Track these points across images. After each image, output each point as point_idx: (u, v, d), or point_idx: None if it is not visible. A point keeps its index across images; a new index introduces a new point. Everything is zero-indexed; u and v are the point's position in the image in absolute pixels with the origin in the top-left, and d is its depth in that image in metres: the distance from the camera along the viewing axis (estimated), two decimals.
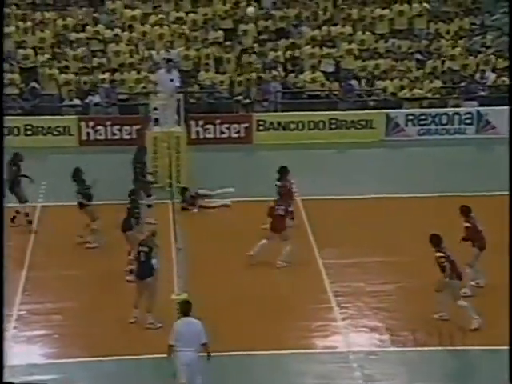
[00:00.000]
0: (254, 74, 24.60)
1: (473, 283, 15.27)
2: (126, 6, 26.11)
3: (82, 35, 25.49)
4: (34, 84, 24.28)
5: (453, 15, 26.37)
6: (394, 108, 24.23)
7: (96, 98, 24.19)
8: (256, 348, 13.66)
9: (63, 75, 24.46)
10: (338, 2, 26.67)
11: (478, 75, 25.15)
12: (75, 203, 17.48)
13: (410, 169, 21.57)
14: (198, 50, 25.34)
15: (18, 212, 17.90)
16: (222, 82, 24.79)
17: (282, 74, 25.09)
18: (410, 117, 24.02)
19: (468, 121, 24.04)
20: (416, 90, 24.59)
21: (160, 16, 25.83)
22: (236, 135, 23.81)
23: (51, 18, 25.79)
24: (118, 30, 25.47)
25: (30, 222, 17.94)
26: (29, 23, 25.45)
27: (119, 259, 15.91)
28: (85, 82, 24.46)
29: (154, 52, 25.16)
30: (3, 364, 10.26)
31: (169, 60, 22.14)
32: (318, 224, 18.19)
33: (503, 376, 12.73)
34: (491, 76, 25.09)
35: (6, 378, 9.27)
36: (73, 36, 25.42)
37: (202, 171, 20.19)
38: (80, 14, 25.99)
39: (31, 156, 19.38)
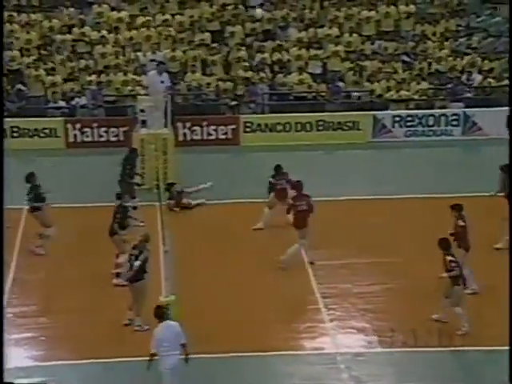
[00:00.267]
0: (241, 73, 24.64)
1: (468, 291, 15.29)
2: (113, 9, 26.06)
3: (68, 37, 25.44)
4: (20, 86, 24.20)
5: (439, 17, 26.48)
6: (380, 109, 24.30)
7: (82, 100, 24.14)
8: (244, 349, 13.66)
9: (49, 77, 24.39)
10: (324, 4, 26.72)
11: (464, 77, 25.25)
12: (63, 205, 17.44)
13: (398, 170, 21.62)
14: (184, 51, 25.33)
15: None
16: (208, 83, 24.79)
17: (270, 75, 25.11)
18: (397, 118, 24.08)
19: (454, 122, 24.12)
20: (403, 92, 24.67)
21: (147, 18, 25.81)
22: (223, 137, 23.80)
23: (37, 19, 25.72)
24: (104, 32, 25.42)
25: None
26: (15, 25, 25.37)
27: (107, 262, 15.86)
28: (71, 84, 24.41)
29: (140, 54, 25.14)
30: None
31: (160, 62, 22.16)
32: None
33: (493, 376, 12.85)
34: (477, 77, 25.20)
35: None
36: (59, 38, 25.36)
37: (190, 173, 20.17)
38: (66, 15, 25.92)
39: (18, 158, 19.31)
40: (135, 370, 12.83)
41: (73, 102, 24.17)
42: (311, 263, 16.43)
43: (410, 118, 24.09)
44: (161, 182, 19.39)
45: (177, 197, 19.20)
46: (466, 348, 13.54)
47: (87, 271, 16.16)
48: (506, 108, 23.98)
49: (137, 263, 14.03)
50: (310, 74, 25.10)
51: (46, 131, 23.44)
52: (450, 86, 25.13)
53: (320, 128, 23.87)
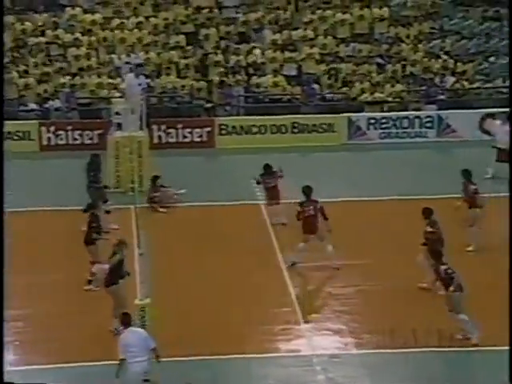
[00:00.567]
0: (216, 76, 24.65)
1: (424, 285, 15.35)
2: (86, 11, 25.92)
3: (41, 39, 25.29)
4: None
5: (412, 19, 26.63)
6: (355, 112, 24.39)
7: (56, 103, 24.02)
8: (219, 352, 13.64)
9: (23, 79, 24.23)
10: (299, 6, 26.79)
11: (437, 79, 25.42)
12: (37, 209, 17.34)
13: (372, 172, 21.71)
14: (159, 54, 25.29)
15: None
16: (183, 86, 24.76)
17: (245, 78, 25.13)
18: (372, 120, 24.19)
19: (428, 124, 24.28)
20: (377, 94, 24.78)
21: (121, 20, 25.73)
22: (198, 139, 23.78)
23: (10, 22, 25.53)
24: (77, 35, 25.31)
25: None
26: None
27: (84, 265, 15.75)
28: (45, 86, 24.29)
29: (115, 56, 25.06)
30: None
31: (138, 65, 22.14)
32: (281, 227, 18.22)
33: (470, 377, 12.94)
34: (450, 80, 25.38)
35: None
36: (32, 40, 25.21)
37: (165, 176, 20.09)
38: (39, 18, 25.77)
39: None
40: (109, 374, 12.73)
41: (47, 105, 24.04)
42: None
43: (384, 121, 24.22)
44: (136, 184, 19.32)
45: (159, 189, 19.23)
46: (442, 349, 13.59)
47: (63, 275, 16.06)
48: (479, 110, 24.22)
49: (106, 266, 14.03)
50: (285, 76, 25.16)
51: (20, 134, 23.29)
52: (423, 88, 25.30)
53: (295, 130, 23.93)
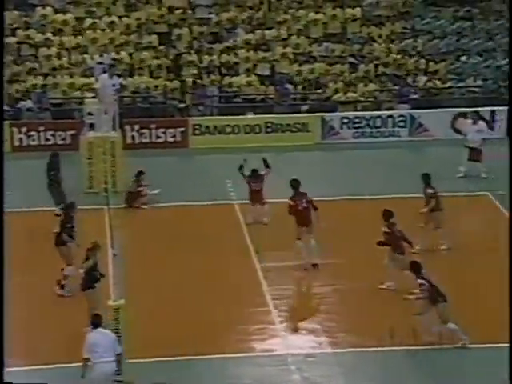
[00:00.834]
0: (189, 76, 24.61)
1: (384, 286, 15.44)
2: (57, 11, 25.74)
3: (12, 39, 25.09)
4: None
5: (384, 19, 26.75)
6: (329, 111, 24.45)
7: (28, 103, 23.83)
8: (194, 352, 13.61)
9: None
10: (272, 6, 26.80)
11: (410, 78, 25.56)
12: (9, 210, 17.15)
13: (346, 171, 21.79)
14: (131, 54, 25.18)
15: None
16: (156, 86, 24.68)
17: (219, 78, 25.10)
18: (345, 120, 24.27)
19: (401, 123, 24.40)
20: (350, 94, 24.87)
21: (93, 20, 25.59)
22: (172, 139, 23.72)
23: None
24: (49, 35, 25.13)
25: None
26: None
27: (56, 267, 15.62)
28: (16, 86, 24.10)
29: (87, 56, 24.92)
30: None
31: (111, 65, 22.04)
32: (255, 227, 18.23)
33: (445, 375, 13.03)
34: (422, 79, 25.53)
35: None
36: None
37: None
38: (10, 18, 25.54)
39: None
40: (75, 376, 12.61)
41: (18, 105, 23.85)
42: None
43: (357, 120, 24.30)
44: (109, 185, 19.22)
45: (139, 187, 19.23)
46: (417, 348, 13.65)
47: (34, 277, 15.94)
48: (451, 109, 24.39)
49: (81, 271, 13.94)
50: (259, 75, 25.17)
51: None
52: (396, 87, 25.43)
53: (269, 130, 23.94)
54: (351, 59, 25.89)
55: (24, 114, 23.81)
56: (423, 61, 25.75)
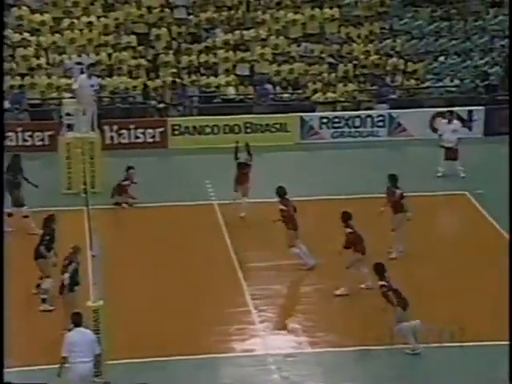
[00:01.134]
0: (168, 76, 24.57)
1: (363, 286, 15.48)
2: (33, 11, 25.58)
3: None
4: None
5: (363, 19, 26.84)
6: (308, 111, 24.50)
7: (6, 104, 23.67)
8: (173, 353, 13.59)
9: None
10: (250, 6, 26.81)
11: (388, 78, 25.66)
12: None
13: (326, 171, 21.83)
14: (110, 54, 25.10)
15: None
16: (135, 86, 24.61)
17: (198, 78, 25.06)
18: (324, 120, 24.32)
19: (380, 123, 24.49)
20: (329, 94, 24.92)
21: (71, 20, 25.47)
22: (151, 140, 23.66)
23: None
24: (26, 35, 24.99)
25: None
26: None
27: (33, 266, 15.53)
28: None
29: (65, 57, 24.80)
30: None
31: (90, 65, 21.95)
32: (235, 227, 18.24)
33: (425, 374, 13.09)
34: (400, 79, 25.63)
35: None
36: None
37: (117, 176, 19.96)
38: None
39: None
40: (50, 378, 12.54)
41: None
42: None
43: (336, 120, 24.36)
44: (88, 186, 19.14)
45: (126, 180, 19.38)
46: (396, 347, 13.69)
47: (10, 278, 15.84)
48: (430, 109, 24.51)
49: (66, 275, 13.84)
50: (238, 75, 25.17)
51: None
52: (375, 87, 25.52)
53: (248, 130, 23.95)
54: (330, 59, 25.95)
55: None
56: (402, 61, 25.86)
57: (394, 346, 13.66)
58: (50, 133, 22.92)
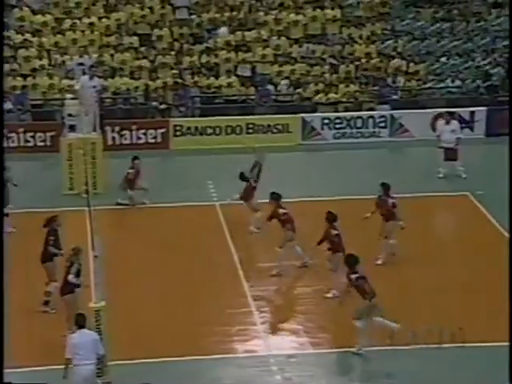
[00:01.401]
0: (170, 77, 24.60)
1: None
2: (35, 12, 25.61)
3: None
4: None
5: (364, 20, 26.84)
6: (309, 112, 24.50)
7: (8, 105, 23.70)
8: (174, 354, 13.59)
9: None
10: (252, 8, 26.82)
11: (390, 79, 25.66)
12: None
13: (327, 172, 21.84)
14: (112, 55, 25.12)
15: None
16: (137, 87, 24.63)
17: (199, 79, 25.07)
18: (326, 121, 24.32)
19: (382, 124, 24.49)
20: (331, 95, 24.92)
21: (73, 21, 25.50)
22: (153, 141, 23.67)
23: None
24: (28, 35, 25.01)
25: None
26: None
27: (38, 268, 15.52)
28: None
29: (67, 57, 24.83)
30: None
31: (91, 66, 21.97)
32: (237, 228, 18.23)
33: (423, 375, 13.09)
34: (402, 80, 25.63)
35: None
36: None
37: (119, 177, 19.97)
38: None
39: None
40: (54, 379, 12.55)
41: None
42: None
43: (338, 121, 24.36)
44: (89, 186, 19.15)
45: (132, 168, 19.43)
46: (397, 347, 13.68)
47: (14, 277, 15.85)
48: (431, 110, 24.51)
49: (71, 277, 13.80)
50: (240, 76, 25.17)
51: None
52: (377, 88, 25.52)
53: (250, 131, 23.95)
54: (332, 60, 25.96)
55: (4, 116, 23.64)
56: (403, 62, 25.86)
57: (396, 346, 13.65)
58: (51, 133, 22.94)
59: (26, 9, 25.63)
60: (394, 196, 16.73)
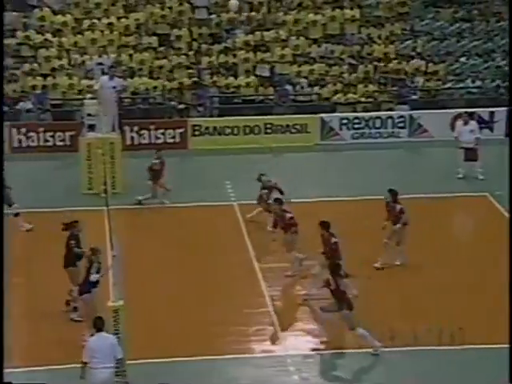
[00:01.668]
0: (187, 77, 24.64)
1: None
2: (55, 13, 25.74)
3: (11, 41, 25.11)
4: None
5: (384, 20, 26.77)
6: (328, 112, 24.47)
7: (28, 105, 23.85)
8: (192, 353, 13.61)
9: None
10: (271, 8, 26.81)
11: (409, 79, 25.57)
12: (8, 211, 17.19)
13: (346, 172, 21.79)
14: (130, 55, 25.20)
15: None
16: (155, 87, 24.70)
17: (218, 78, 25.10)
18: (344, 121, 24.27)
19: (401, 124, 24.40)
20: (349, 95, 24.87)
21: (92, 21, 25.61)
22: (171, 140, 23.72)
23: None
24: (48, 35, 25.15)
25: None
26: None
27: (55, 267, 15.59)
28: (14, 88, 24.13)
29: (86, 57, 24.94)
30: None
31: (111, 66, 22.05)
32: (255, 228, 18.23)
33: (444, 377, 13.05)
34: (421, 80, 25.54)
35: None
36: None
37: (138, 177, 20.04)
38: (9, 19, 25.54)
39: None
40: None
41: (17, 106, 23.86)
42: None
43: (357, 121, 24.30)
44: (108, 186, 19.22)
45: (157, 159, 19.50)
46: (415, 348, 13.64)
47: (37, 277, 15.95)
48: (451, 110, 24.40)
49: (92, 277, 13.77)
50: (259, 76, 25.18)
51: None
52: (395, 88, 25.44)
53: (268, 131, 23.95)
54: (350, 60, 25.90)
55: (24, 115, 23.82)
56: (423, 62, 25.76)
57: (413, 346, 13.61)
58: (71, 133, 23.05)
59: (47, 9, 25.77)
60: (400, 202, 16.52)
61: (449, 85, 25.67)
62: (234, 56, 25.54)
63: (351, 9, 26.63)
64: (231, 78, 25.08)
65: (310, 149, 23.53)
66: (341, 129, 24.22)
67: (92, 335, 12.07)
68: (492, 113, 24.20)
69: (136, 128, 23.55)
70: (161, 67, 25.08)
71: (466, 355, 13.57)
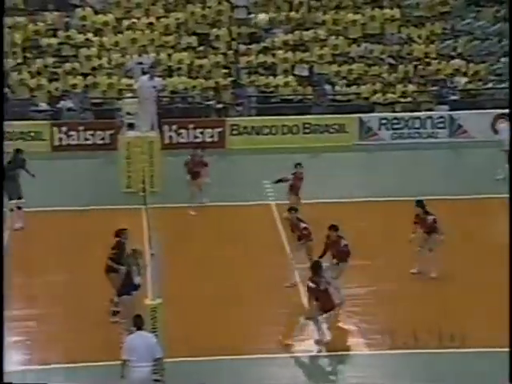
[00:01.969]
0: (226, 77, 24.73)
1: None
2: (96, 12, 26.00)
3: (53, 40, 25.41)
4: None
5: (424, 20, 26.59)
6: (367, 112, 24.37)
7: (69, 103, 24.11)
8: (229, 353, 13.63)
9: (34, 80, 24.33)
10: (310, 7, 26.78)
11: (449, 80, 25.36)
12: (49, 209, 17.40)
13: (384, 173, 21.70)
14: (170, 54, 25.35)
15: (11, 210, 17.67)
16: (194, 86, 24.81)
17: (257, 78, 25.16)
18: (383, 121, 24.17)
19: (440, 125, 24.24)
20: (389, 95, 24.75)
21: (132, 21, 25.81)
22: (209, 140, 23.82)
23: (22, 22, 25.63)
24: (89, 35, 25.40)
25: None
26: None
27: (96, 265, 15.70)
28: (56, 85, 24.42)
29: (127, 57, 25.15)
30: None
31: (151, 66, 22.24)
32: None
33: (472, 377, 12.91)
34: (462, 80, 25.32)
35: None
36: (44, 41, 25.31)
37: (176, 176, 20.14)
38: (51, 19, 25.86)
39: None
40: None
41: (59, 105, 24.14)
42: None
43: (396, 121, 24.19)
44: (147, 185, 19.35)
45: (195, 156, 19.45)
46: (444, 350, 13.51)
47: (75, 275, 16.11)
48: (491, 111, 24.17)
49: (136, 280, 13.85)
50: (298, 76, 25.17)
51: (32, 134, 23.38)
52: (435, 88, 25.25)
53: (306, 131, 23.94)
54: (390, 60, 25.78)
55: (65, 114, 24.09)
56: (463, 62, 25.53)
57: (442, 348, 13.50)
58: (110, 132, 23.26)
59: (89, 9, 26.03)
60: (431, 212, 16.28)
61: (490, 85, 25.42)
62: (273, 56, 25.56)
63: (391, 8, 26.52)
64: (270, 78, 25.12)
65: (349, 149, 23.46)
66: (380, 129, 24.12)
67: (131, 333, 12.14)
68: None
69: (175, 127, 23.70)
70: (200, 66, 25.20)
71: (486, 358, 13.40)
